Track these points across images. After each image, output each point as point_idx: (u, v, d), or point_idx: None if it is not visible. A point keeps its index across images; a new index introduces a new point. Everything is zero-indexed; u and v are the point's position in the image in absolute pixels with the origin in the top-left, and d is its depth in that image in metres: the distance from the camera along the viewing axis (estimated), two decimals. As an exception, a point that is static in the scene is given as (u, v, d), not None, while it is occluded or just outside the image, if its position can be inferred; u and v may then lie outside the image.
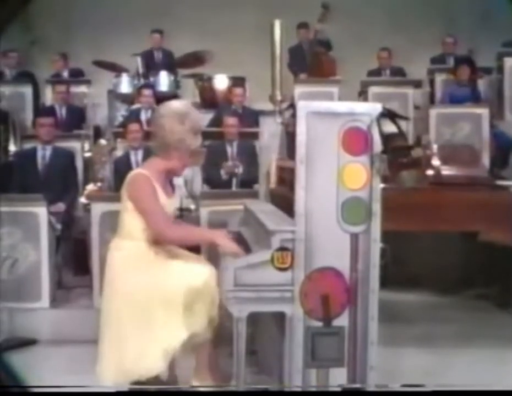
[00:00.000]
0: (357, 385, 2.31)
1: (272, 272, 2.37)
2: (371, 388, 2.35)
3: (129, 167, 4.66)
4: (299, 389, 2.35)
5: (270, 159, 3.20)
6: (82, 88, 6.77)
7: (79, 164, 5.35)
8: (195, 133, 2.56)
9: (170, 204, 2.61)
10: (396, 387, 2.35)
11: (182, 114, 2.54)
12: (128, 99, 6.50)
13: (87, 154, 5.69)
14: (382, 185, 2.49)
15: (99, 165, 5.18)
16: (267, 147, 4.61)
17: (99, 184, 5.00)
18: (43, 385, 2.33)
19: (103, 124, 6.73)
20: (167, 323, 2.44)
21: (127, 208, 2.53)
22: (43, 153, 4.84)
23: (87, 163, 5.57)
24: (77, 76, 7.08)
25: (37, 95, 6.74)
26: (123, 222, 2.56)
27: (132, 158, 4.86)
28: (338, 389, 2.34)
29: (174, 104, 2.63)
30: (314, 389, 2.36)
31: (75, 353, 3.36)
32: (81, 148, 5.64)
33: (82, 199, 4.86)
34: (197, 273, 2.53)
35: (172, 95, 6.34)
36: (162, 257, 2.54)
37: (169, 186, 2.69)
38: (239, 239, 2.80)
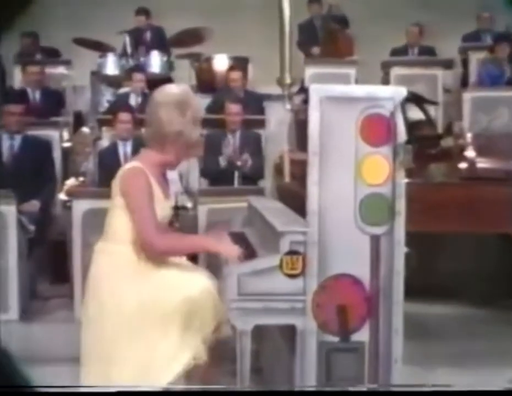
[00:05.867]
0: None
1: (281, 279, 2.39)
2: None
3: (116, 159, 4.68)
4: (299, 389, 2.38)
5: (281, 150, 3.21)
6: (61, 70, 6.77)
7: (57, 156, 5.34)
8: (195, 124, 2.57)
9: (166, 206, 2.60)
10: (395, 387, 2.38)
11: (183, 103, 2.53)
12: (114, 82, 6.52)
13: (67, 144, 5.71)
14: (406, 180, 2.50)
15: (82, 156, 5.21)
16: (274, 137, 4.62)
17: (81, 178, 5.02)
18: (42, 385, 2.38)
19: (85, 109, 6.76)
20: (162, 342, 2.44)
21: (117, 205, 2.52)
22: (10, 143, 4.79)
23: (67, 154, 5.59)
24: (52, 56, 7.08)
25: (3, 77, 6.72)
26: (111, 221, 2.56)
27: (121, 150, 4.87)
28: (340, 389, 2.36)
29: (173, 91, 2.61)
30: (313, 389, 2.38)
31: (50, 373, 3.30)
32: (59, 137, 5.64)
33: (61, 196, 4.87)
34: (195, 282, 2.53)
35: (165, 78, 6.37)
36: (155, 263, 2.55)
37: (166, 185, 2.69)
38: (243, 241, 2.81)
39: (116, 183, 2.55)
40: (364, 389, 2.38)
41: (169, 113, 2.52)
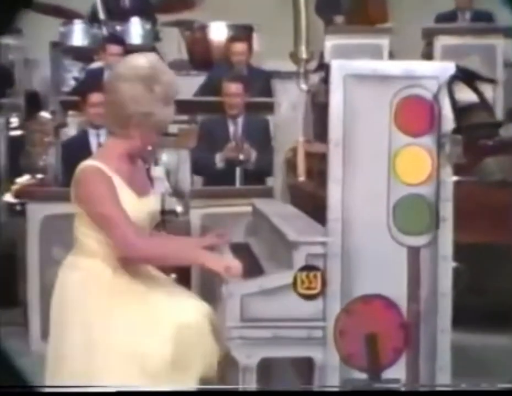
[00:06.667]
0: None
1: (295, 301, 2.42)
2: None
3: (86, 152, 4.69)
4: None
5: (294, 141, 3.25)
6: (7, 40, 6.79)
7: (2, 147, 5.41)
8: (167, 103, 2.61)
9: (144, 204, 2.64)
10: (395, 387, 2.44)
11: (150, 77, 2.57)
12: (82, 55, 6.57)
13: (16, 133, 5.74)
14: (455, 178, 2.54)
15: (40, 148, 5.24)
16: (286, 124, 4.66)
17: (39, 176, 5.05)
18: (42, 385, 2.48)
19: (43, 89, 6.81)
20: (145, 377, 2.48)
21: (79, 212, 2.59)
22: None
23: (18, 145, 5.61)
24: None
25: None
26: (77, 230, 2.62)
27: (92, 140, 4.91)
28: (341, 389, 2.43)
29: (138, 62, 2.64)
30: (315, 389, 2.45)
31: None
32: (5, 124, 5.69)
33: (7, 198, 4.90)
34: (184, 305, 2.58)
35: (149, 50, 6.41)
36: (133, 281, 2.59)
37: (142, 177, 2.74)
38: (247, 254, 2.85)
39: (71, 188, 2.61)
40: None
41: (133, 88, 2.56)
